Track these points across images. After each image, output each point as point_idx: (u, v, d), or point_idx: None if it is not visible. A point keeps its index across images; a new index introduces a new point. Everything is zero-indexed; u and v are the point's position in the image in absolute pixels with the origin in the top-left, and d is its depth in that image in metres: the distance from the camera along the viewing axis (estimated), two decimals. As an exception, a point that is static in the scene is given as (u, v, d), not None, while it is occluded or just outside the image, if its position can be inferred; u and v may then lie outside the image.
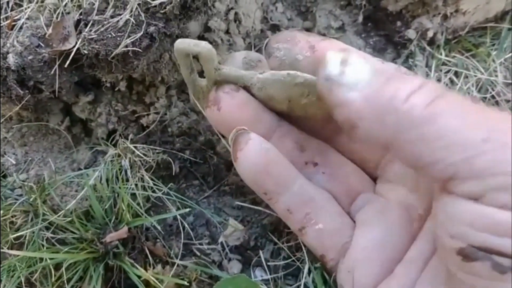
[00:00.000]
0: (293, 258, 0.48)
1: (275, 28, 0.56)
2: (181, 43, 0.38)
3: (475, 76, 0.54)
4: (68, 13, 0.47)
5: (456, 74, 0.55)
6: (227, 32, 0.51)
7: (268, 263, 0.49)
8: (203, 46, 0.37)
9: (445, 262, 0.30)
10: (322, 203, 0.40)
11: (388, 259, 0.38)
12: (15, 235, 0.48)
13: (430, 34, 0.55)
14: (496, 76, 0.54)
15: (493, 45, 0.56)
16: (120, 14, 0.45)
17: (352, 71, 0.30)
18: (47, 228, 0.48)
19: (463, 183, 0.27)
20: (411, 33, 0.55)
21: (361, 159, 0.41)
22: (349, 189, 0.41)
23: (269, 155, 0.38)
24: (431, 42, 0.56)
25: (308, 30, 0.58)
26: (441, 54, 0.55)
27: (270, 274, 0.49)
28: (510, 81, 0.54)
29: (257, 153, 0.37)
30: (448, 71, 0.55)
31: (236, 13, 0.51)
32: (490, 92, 0.53)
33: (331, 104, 0.31)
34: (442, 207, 0.29)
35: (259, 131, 0.38)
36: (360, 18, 0.57)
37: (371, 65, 0.30)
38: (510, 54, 0.55)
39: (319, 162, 0.41)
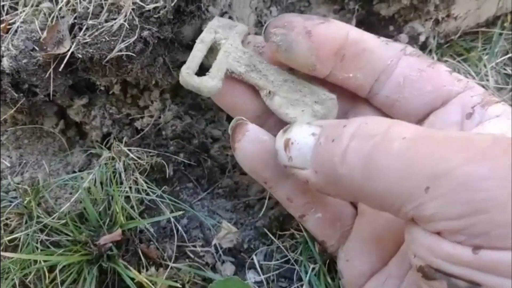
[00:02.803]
0: (290, 257, 0.49)
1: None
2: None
3: (467, 80, 0.54)
4: (63, 17, 0.47)
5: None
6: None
7: (261, 265, 0.49)
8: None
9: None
10: None
11: (384, 251, 0.39)
12: (9, 238, 0.48)
13: (422, 38, 0.55)
14: (488, 80, 0.54)
15: (485, 49, 0.57)
16: (114, 19, 0.45)
17: (296, 152, 0.34)
18: (42, 231, 0.48)
19: (422, 224, 0.28)
20: (403, 38, 0.55)
21: None
22: None
23: (266, 146, 0.39)
24: (423, 46, 0.57)
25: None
26: (433, 58, 0.56)
27: (263, 276, 0.49)
28: (501, 86, 0.55)
29: (254, 145, 0.39)
30: (440, 75, 0.56)
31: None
32: (482, 96, 0.54)
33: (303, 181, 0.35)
34: (408, 229, 0.30)
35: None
36: (353, 23, 0.57)
37: (309, 134, 0.34)
38: (501, 59, 0.55)
39: None
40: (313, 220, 0.42)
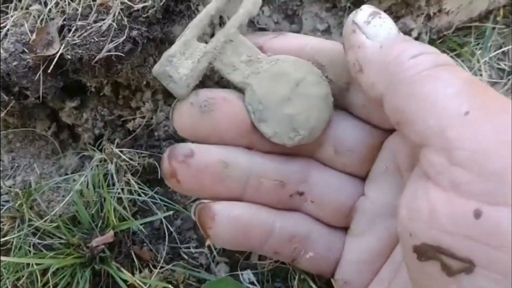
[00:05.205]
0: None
1: (261, 31, 0.56)
2: None
3: (460, 75, 0.54)
4: (52, 19, 0.47)
5: (442, 73, 0.55)
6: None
7: (256, 266, 0.49)
8: None
9: (406, 263, 0.30)
10: (306, 234, 0.40)
11: (378, 266, 0.38)
12: (1, 241, 0.48)
13: (414, 34, 0.55)
14: (481, 75, 0.54)
15: (478, 44, 0.56)
16: (103, 19, 0.45)
17: (378, 23, 0.32)
18: (34, 234, 0.48)
19: (432, 153, 0.27)
20: (395, 34, 0.55)
21: (348, 171, 0.40)
22: (341, 205, 0.40)
23: (241, 220, 0.37)
24: (416, 42, 0.56)
25: (295, 33, 0.58)
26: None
27: (258, 277, 0.49)
28: (495, 80, 0.54)
29: (229, 226, 0.37)
30: (433, 71, 0.55)
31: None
32: (476, 91, 0.53)
33: (348, 45, 0.33)
34: (405, 203, 0.29)
35: (229, 186, 0.37)
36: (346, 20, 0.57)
37: (396, 27, 0.32)
38: (495, 53, 0.55)
39: (304, 190, 0.39)
40: (305, 260, 0.40)
